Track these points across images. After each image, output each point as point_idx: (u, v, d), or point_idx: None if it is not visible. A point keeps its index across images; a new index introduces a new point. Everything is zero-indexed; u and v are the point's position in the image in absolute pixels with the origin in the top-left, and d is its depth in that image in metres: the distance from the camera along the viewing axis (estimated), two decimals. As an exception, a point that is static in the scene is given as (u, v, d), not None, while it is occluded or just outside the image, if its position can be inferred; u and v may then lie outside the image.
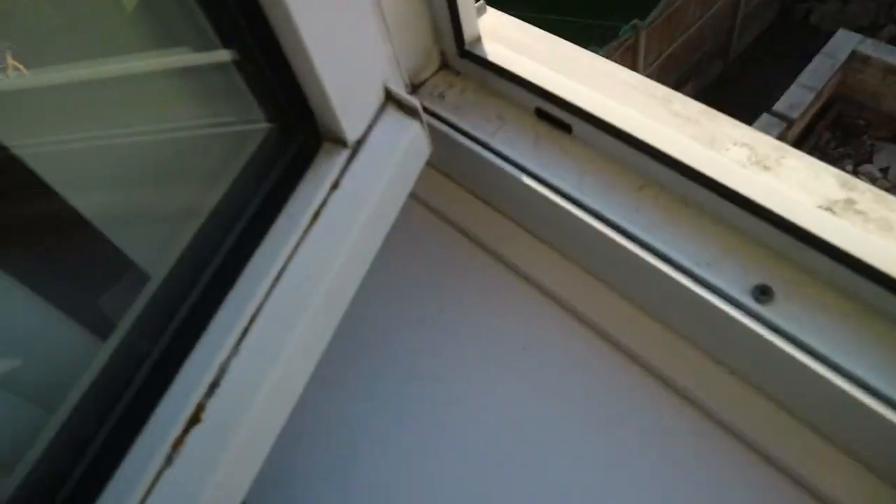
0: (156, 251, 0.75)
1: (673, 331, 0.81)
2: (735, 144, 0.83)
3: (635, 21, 7.19)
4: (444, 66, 0.96)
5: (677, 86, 8.29)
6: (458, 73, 0.95)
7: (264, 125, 0.73)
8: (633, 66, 7.72)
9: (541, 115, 0.87)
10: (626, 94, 0.88)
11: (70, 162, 0.96)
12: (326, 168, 0.68)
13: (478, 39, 0.92)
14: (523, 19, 1.01)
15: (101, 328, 0.73)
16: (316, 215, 0.66)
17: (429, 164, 0.90)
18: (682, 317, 0.79)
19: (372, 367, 0.90)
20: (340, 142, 0.69)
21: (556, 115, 0.86)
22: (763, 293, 0.71)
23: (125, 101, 1.01)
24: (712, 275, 0.73)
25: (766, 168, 0.80)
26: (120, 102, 1.01)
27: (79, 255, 0.86)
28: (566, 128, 0.86)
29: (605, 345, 0.85)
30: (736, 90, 8.64)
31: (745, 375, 0.76)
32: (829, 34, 7.57)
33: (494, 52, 0.90)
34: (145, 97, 0.99)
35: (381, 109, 0.73)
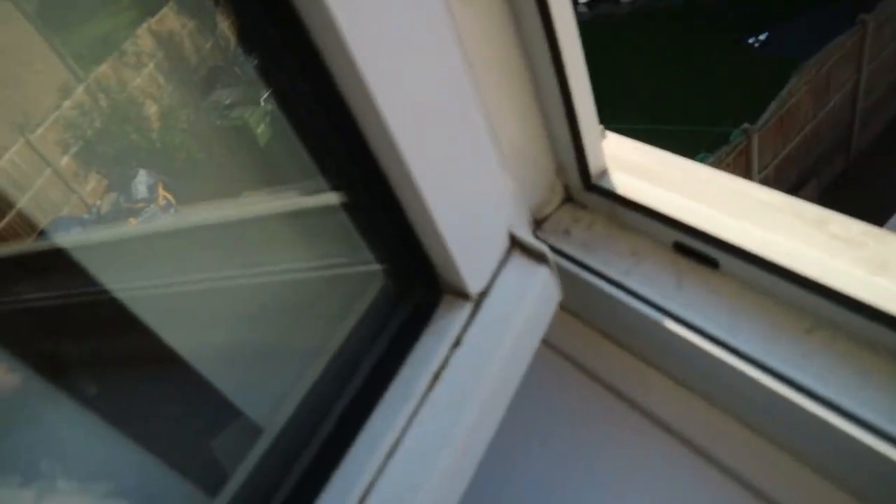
0: (267, 405, 0.72)
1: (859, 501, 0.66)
2: (914, 270, 0.70)
3: (745, 125, 7.01)
4: (569, 199, 0.91)
5: (797, 187, 7.89)
6: (583, 207, 0.90)
7: (381, 278, 0.70)
8: (746, 171, 7.47)
9: (681, 249, 0.79)
10: (772, 219, 0.78)
11: (181, 308, 0.97)
12: (447, 324, 0.63)
13: (604, 172, 0.86)
14: (631, 130, 0.96)
15: (209, 484, 0.69)
16: (436, 377, 0.60)
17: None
18: (874, 487, 0.64)
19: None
20: (462, 295, 0.64)
21: (698, 249, 0.77)
22: None
23: (243, 244, 1.03)
24: (916, 439, 0.59)
25: (961, 298, 0.67)
26: (238, 245, 1.03)
27: (188, 407, 0.85)
28: (712, 262, 0.77)
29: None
30: (861, 187, 8.12)
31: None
32: (965, 124, 7.04)
33: (623, 183, 0.84)
34: (272, 243, 1.00)
35: (506, 257, 0.68)
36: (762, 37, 9.83)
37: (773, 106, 7.23)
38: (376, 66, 0.52)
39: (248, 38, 0.59)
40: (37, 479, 0.80)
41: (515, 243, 0.68)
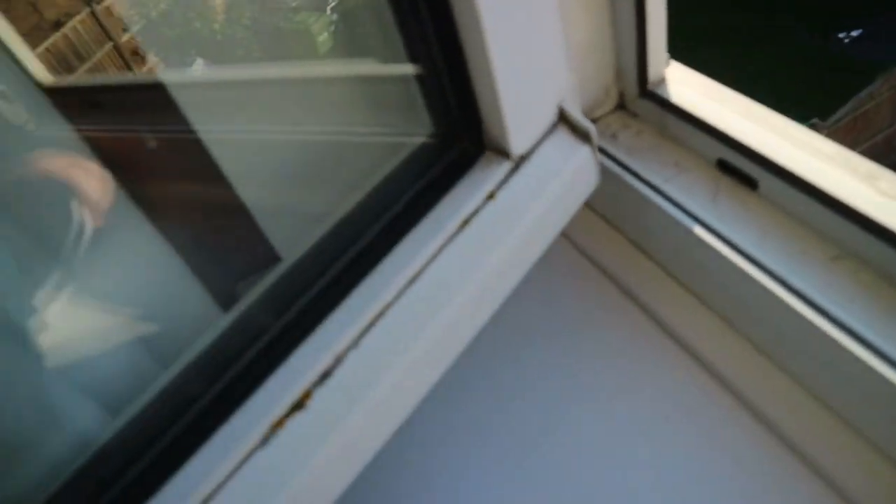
0: (295, 238, 0.75)
1: (864, 437, 0.67)
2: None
3: (815, 120, 6.76)
4: (621, 107, 0.91)
5: (854, 194, 7.60)
6: (634, 116, 0.89)
7: (429, 131, 0.71)
8: (805, 167, 7.20)
9: (724, 167, 0.79)
10: (823, 163, 0.78)
11: (242, 151, 1.00)
12: (485, 177, 0.64)
13: (662, 80, 0.86)
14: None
15: (231, 302, 0.73)
16: (465, 222, 0.62)
17: (587, 204, 0.84)
18: (880, 420, 0.65)
19: (489, 406, 0.83)
20: (503, 153, 0.65)
21: (741, 169, 0.77)
22: None
23: (304, 102, 1.06)
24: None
25: None
26: (299, 103, 1.06)
27: (225, 232, 0.89)
28: (752, 184, 0.76)
29: (770, 437, 0.72)
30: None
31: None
32: None
33: (679, 94, 0.83)
34: (326, 100, 1.02)
35: (553, 129, 0.68)
36: (854, 33, 9.33)
37: (849, 105, 6.93)
38: None
39: None
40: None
41: (564, 118, 0.69)
